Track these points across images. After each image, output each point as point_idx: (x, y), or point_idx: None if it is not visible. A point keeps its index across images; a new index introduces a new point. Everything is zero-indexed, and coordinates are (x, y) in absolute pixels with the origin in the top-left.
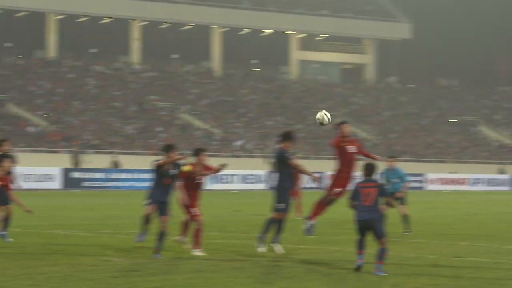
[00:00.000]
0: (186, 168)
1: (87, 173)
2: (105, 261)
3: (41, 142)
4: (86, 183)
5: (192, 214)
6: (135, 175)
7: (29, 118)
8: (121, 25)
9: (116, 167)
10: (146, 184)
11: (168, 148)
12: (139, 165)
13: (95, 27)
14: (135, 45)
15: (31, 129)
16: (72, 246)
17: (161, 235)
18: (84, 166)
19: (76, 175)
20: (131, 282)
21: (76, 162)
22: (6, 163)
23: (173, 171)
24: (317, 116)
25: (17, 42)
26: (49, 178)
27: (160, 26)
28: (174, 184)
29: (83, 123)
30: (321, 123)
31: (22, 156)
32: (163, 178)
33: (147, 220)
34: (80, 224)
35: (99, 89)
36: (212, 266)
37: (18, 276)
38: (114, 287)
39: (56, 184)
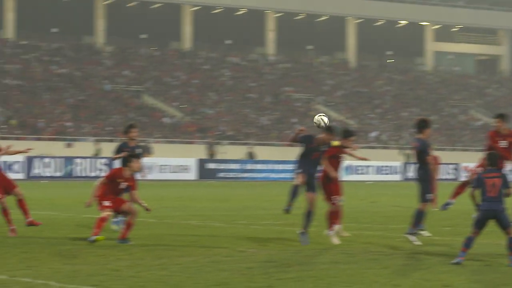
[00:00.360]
0: (336, 143)
1: (222, 164)
2: (240, 252)
3: (177, 133)
4: (221, 174)
5: (333, 202)
6: (270, 166)
7: (164, 109)
8: (256, 16)
9: (251, 158)
10: (281, 175)
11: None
12: (274, 156)
13: (230, 18)
14: (270, 36)
15: (166, 120)
16: (206, 237)
17: (309, 214)
18: (219, 157)
19: (212, 166)
20: (267, 273)
21: (211, 153)
22: (135, 163)
23: (324, 147)
24: (314, 120)
25: (152, 34)
26: (184, 169)
27: (295, 18)
28: (320, 159)
29: (218, 114)
30: (318, 126)
31: (157, 147)
32: (313, 152)
33: (295, 191)
34: (215, 215)
35: (235, 81)
36: (347, 258)
37: (153, 267)
38: (249, 278)
39: (192, 175)
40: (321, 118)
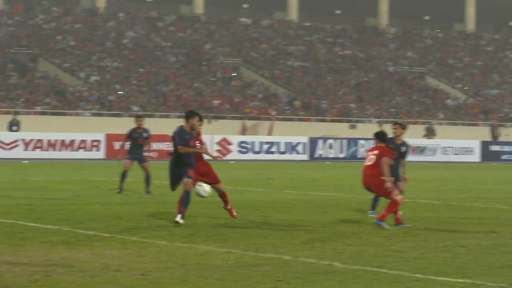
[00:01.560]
0: None
1: (505, 146)
2: None
3: (460, 115)
4: (505, 156)
5: None
6: None
7: (448, 91)
8: None
9: None
10: None
11: None
12: None
13: None
14: None
15: (450, 102)
16: (490, 219)
17: None
18: (502, 139)
19: (495, 148)
20: None
21: (495, 135)
22: (387, 157)
23: None
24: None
25: (436, 15)
26: (468, 151)
27: None
28: None
29: (502, 96)
30: (203, 197)
31: (440, 129)
32: None
33: None
34: (499, 197)
35: None
36: None
37: (436, 248)
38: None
39: (475, 157)
40: (198, 191)
